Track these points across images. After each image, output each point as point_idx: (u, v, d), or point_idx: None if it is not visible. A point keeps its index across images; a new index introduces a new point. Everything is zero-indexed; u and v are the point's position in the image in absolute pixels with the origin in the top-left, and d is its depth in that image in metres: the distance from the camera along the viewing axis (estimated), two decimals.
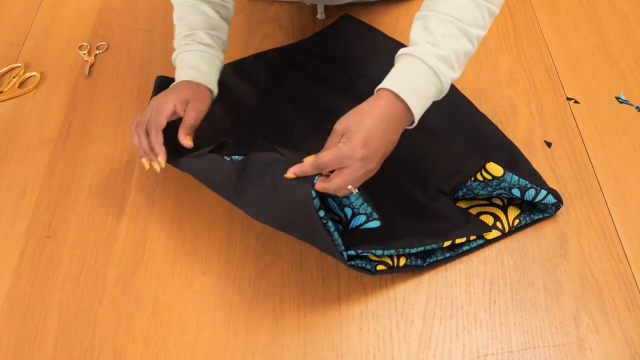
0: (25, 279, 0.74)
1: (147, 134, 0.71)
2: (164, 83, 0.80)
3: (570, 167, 0.82)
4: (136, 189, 0.82)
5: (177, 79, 0.75)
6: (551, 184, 0.80)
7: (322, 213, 0.62)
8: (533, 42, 0.98)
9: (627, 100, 0.89)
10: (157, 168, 0.71)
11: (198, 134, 0.74)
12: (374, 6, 1.04)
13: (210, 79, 0.76)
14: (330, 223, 0.64)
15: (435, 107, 0.66)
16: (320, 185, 0.61)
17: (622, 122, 0.87)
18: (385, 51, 0.88)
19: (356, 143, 0.59)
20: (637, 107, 0.89)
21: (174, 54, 0.77)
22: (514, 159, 0.80)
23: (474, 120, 0.85)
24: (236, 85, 0.92)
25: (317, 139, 0.68)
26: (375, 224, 0.69)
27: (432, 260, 0.72)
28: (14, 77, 0.96)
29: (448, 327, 0.68)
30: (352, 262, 0.68)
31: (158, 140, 0.70)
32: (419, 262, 0.71)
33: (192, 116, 0.71)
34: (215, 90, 0.77)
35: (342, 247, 0.66)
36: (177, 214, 0.79)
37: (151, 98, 0.76)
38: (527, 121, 0.87)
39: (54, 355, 0.68)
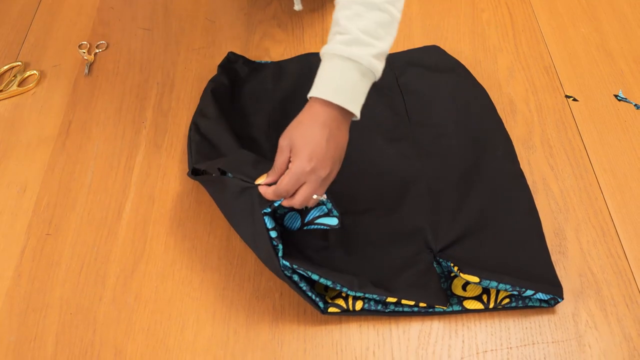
0: (26, 277, 0.74)
1: None
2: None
3: (569, 165, 0.82)
4: (136, 187, 0.82)
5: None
6: (550, 182, 0.80)
7: (273, 234, 0.64)
8: (532, 40, 0.99)
9: (626, 98, 0.90)
10: None
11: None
12: None
13: None
14: (280, 246, 0.64)
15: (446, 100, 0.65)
16: (286, 202, 0.63)
17: (621, 120, 0.87)
18: None
19: (303, 158, 0.60)
20: (635, 105, 0.89)
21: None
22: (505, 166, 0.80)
23: (479, 112, 0.86)
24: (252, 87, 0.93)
25: None
26: (333, 220, 0.67)
27: (396, 309, 0.68)
28: (13, 76, 0.96)
29: (447, 323, 0.68)
30: (309, 294, 0.66)
31: None
32: (379, 307, 0.67)
33: None
34: None
35: (289, 271, 0.65)
36: (177, 212, 0.79)
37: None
38: (526, 119, 0.87)
39: (55, 353, 0.68)
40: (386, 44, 0.64)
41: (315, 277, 0.65)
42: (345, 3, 0.64)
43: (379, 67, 0.64)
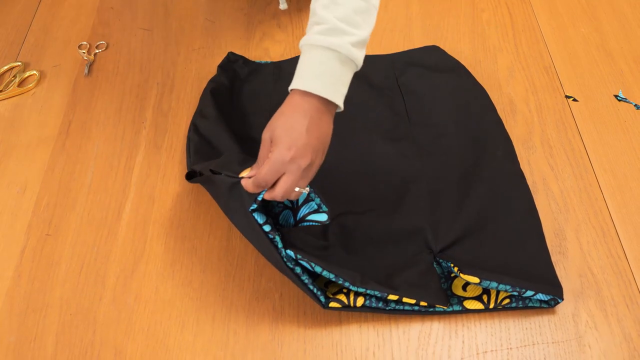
0: (26, 277, 0.74)
1: None
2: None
3: (569, 165, 0.82)
4: (136, 187, 0.82)
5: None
6: (550, 182, 0.80)
7: (267, 228, 0.63)
8: (532, 40, 0.99)
9: (626, 98, 0.90)
10: None
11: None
12: None
13: None
14: (277, 238, 0.64)
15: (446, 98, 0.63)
16: (267, 195, 0.62)
17: (621, 120, 0.87)
18: None
19: (282, 147, 0.59)
20: (635, 105, 0.89)
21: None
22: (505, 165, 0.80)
23: (479, 112, 0.86)
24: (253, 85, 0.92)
25: None
26: (322, 216, 0.66)
27: (397, 307, 0.68)
28: (13, 76, 0.96)
29: (447, 323, 0.68)
30: (311, 287, 0.66)
31: None
32: (380, 304, 0.67)
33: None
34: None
35: (292, 262, 0.65)
36: (177, 212, 0.79)
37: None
38: (526, 119, 0.87)
39: (54, 354, 0.68)
40: (365, 32, 0.63)
41: (318, 269, 0.65)
42: None
43: (358, 55, 0.63)
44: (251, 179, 0.62)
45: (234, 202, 0.67)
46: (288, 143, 0.59)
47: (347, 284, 0.65)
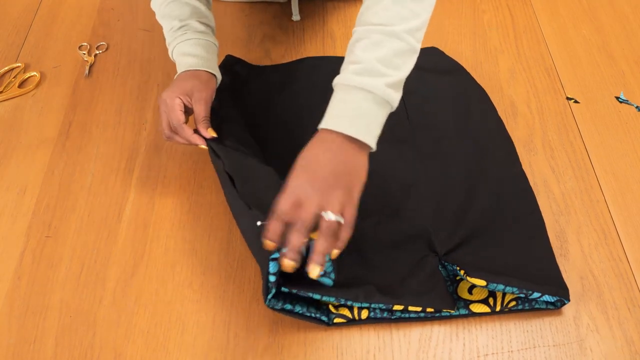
0: (26, 279, 0.74)
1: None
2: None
3: (570, 167, 0.82)
4: (136, 189, 0.82)
5: (178, 70, 0.77)
6: (551, 184, 0.80)
7: (272, 278, 0.60)
8: (533, 42, 0.98)
9: (627, 100, 0.89)
10: (205, 147, 0.74)
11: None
12: (351, 1, 1.04)
13: (210, 64, 0.77)
14: (273, 290, 0.61)
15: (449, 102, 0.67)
16: (288, 255, 0.57)
17: (622, 122, 0.87)
18: None
19: (297, 171, 0.59)
20: (637, 107, 0.89)
21: (170, 49, 0.79)
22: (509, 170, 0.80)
23: (482, 117, 0.86)
24: (249, 89, 0.92)
25: None
26: (327, 281, 0.63)
27: (403, 316, 0.67)
28: (13, 77, 0.96)
29: (448, 326, 0.68)
30: (308, 314, 0.65)
31: (187, 133, 0.73)
32: (385, 314, 0.67)
33: (200, 110, 0.73)
34: (218, 75, 0.79)
35: (279, 306, 0.63)
36: (177, 214, 0.79)
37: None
38: (527, 121, 0.87)
39: (54, 356, 0.68)
40: (402, 72, 0.63)
41: (317, 296, 0.63)
42: (364, 32, 0.62)
43: (395, 96, 0.62)
44: (273, 224, 0.58)
45: (246, 222, 0.67)
46: (303, 168, 0.59)
47: (350, 303, 0.64)
